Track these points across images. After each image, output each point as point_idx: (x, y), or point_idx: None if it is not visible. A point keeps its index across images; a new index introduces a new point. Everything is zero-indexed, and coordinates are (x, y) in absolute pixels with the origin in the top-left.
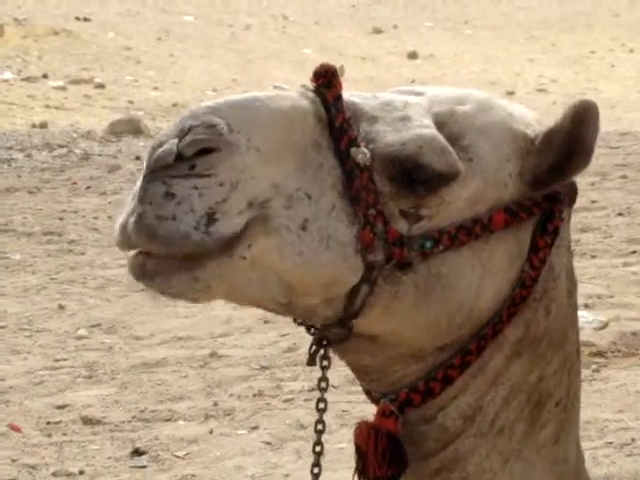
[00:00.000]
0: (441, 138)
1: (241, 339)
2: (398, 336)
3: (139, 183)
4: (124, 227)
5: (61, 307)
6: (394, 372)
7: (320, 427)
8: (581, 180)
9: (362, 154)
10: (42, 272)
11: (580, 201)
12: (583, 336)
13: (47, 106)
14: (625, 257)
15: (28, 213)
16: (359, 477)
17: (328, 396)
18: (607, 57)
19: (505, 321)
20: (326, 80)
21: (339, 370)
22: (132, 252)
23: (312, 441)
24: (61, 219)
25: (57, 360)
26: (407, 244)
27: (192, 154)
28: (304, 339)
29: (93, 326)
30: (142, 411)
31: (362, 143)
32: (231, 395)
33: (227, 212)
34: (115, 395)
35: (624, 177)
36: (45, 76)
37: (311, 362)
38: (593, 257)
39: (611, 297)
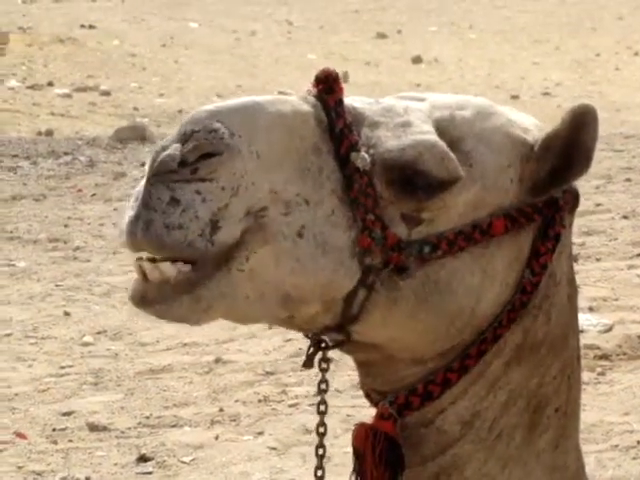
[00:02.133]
0: (441, 144)
1: (246, 345)
2: (398, 342)
3: (142, 185)
4: (132, 232)
5: (66, 314)
6: (397, 370)
7: (322, 430)
8: (586, 183)
9: (362, 159)
10: (47, 279)
11: (585, 204)
12: (588, 339)
13: (52, 114)
14: (630, 260)
15: (34, 220)
16: (357, 479)
17: (333, 401)
18: (612, 60)
19: (505, 326)
20: (327, 85)
21: (343, 375)
22: (133, 281)
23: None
24: (66, 226)
25: (63, 367)
26: (405, 249)
27: (194, 159)
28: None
29: (99, 333)
30: (148, 417)
31: (362, 148)
32: (236, 401)
33: (228, 219)
34: (121, 401)
35: (629, 180)
36: (50, 84)
37: (308, 364)
38: (598, 260)
39: (616, 300)
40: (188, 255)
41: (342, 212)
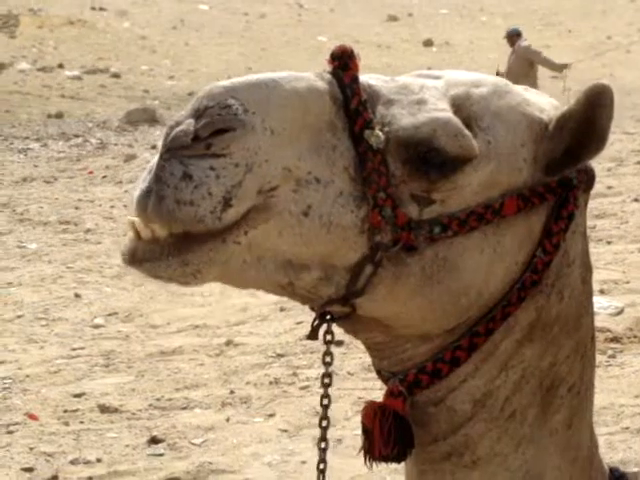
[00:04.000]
0: (456, 121)
1: (257, 327)
2: (403, 318)
3: (156, 159)
4: (143, 205)
5: (77, 296)
6: (405, 350)
7: (326, 402)
8: (597, 166)
9: (375, 137)
10: (58, 261)
11: (596, 187)
12: (599, 322)
13: (63, 96)
14: None
15: (44, 202)
16: (365, 456)
17: (344, 383)
18: (623, 43)
19: (514, 304)
20: (343, 62)
21: (355, 357)
22: (126, 238)
23: (329, 428)
24: (77, 208)
25: (74, 349)
26: (415, 229)
27: (208, 135)
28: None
29: (110, 315)
30: (159, 399)
31: (377, 126)
32: (247, 383)
33: (241, 197)
34: (132, 383)
35: None
36: (61, 66)
37: (313, 336)
38: (609, 243)
39: (627, 283)
40: (197, 230)
41: (352, 191)
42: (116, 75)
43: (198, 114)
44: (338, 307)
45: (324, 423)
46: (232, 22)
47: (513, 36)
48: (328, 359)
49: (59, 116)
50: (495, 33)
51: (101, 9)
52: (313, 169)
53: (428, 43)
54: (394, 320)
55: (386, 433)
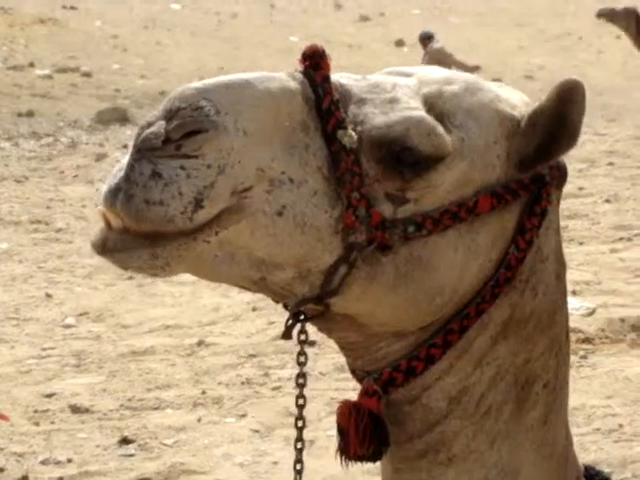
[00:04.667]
0: (429, 120)
1: (229, 327)
2: (377, 317)
3: (126, 158)
4: (111, 202)
5: (48, 296)
6: (378, 349)
7: (301, 402)
8: (568, 167)
9: (348, 136)
10: (29, 261)
11: (567, 188)
12: (571, 322)
13: (33, 95)
14: (613, 244)
15: (15, 202)
16: (340, 456)
17: (316, 384)
18: (594, 44)
19: (488, 301)
20: (314, 61)
21: (327, 358)
22: (97, 228)
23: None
24: (48, 208)
25: (45, 349)
26: (390, 228)
27: (179, 137)
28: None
29: (81, 315)
30: (130, 399)
31: (350, 125)
32: (219, 383)
33: (213, 199)
34: (103, 384)
35: (611, 164)
36: (32, 64)
37: (287, 336)
38: (581, 244)
39: (599, 284)
40: (167, 230)
41: (326, 190)
42: (87, 74)
43: (170, 115)
44: (312, 306)
45: (300, 423)
46: (204, 22)
47: (425, 39)
48: (302, 359)
49: (30, 115)
50: (466, 33)
51: (72, 8)
52: (287, 169)
53: (400, 43)
54: (368, 318)
55: (361, 432)
